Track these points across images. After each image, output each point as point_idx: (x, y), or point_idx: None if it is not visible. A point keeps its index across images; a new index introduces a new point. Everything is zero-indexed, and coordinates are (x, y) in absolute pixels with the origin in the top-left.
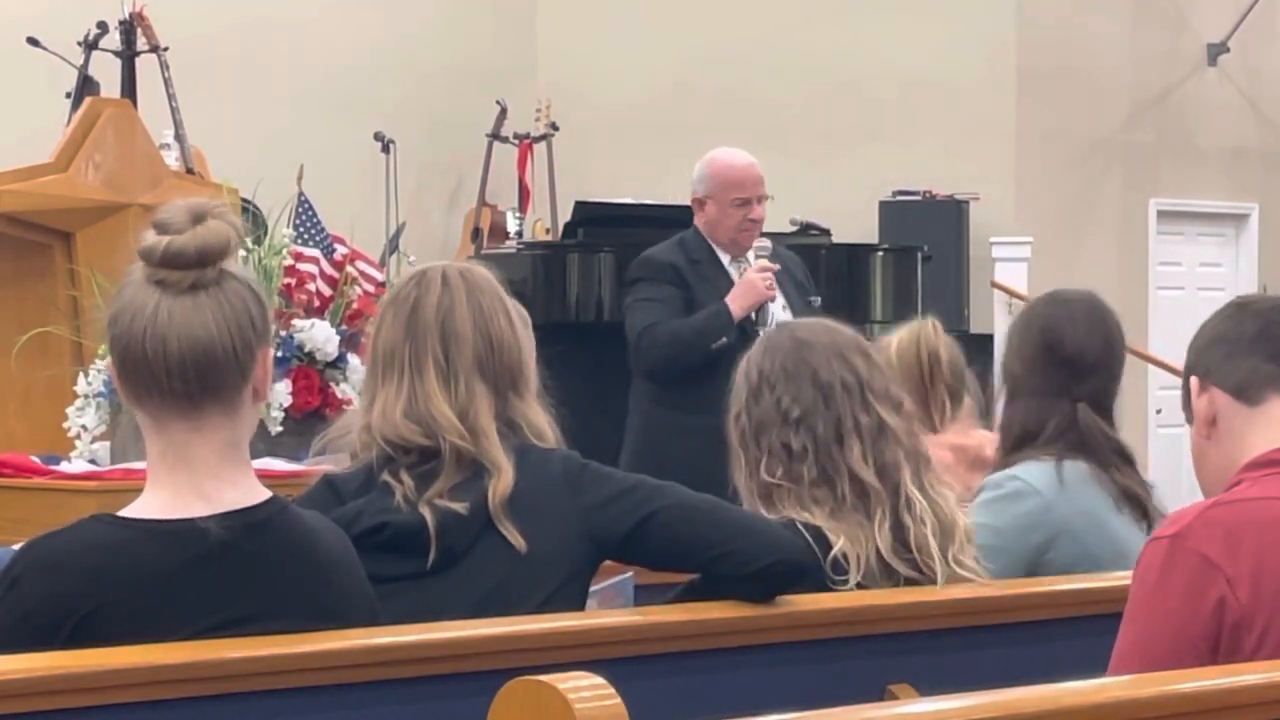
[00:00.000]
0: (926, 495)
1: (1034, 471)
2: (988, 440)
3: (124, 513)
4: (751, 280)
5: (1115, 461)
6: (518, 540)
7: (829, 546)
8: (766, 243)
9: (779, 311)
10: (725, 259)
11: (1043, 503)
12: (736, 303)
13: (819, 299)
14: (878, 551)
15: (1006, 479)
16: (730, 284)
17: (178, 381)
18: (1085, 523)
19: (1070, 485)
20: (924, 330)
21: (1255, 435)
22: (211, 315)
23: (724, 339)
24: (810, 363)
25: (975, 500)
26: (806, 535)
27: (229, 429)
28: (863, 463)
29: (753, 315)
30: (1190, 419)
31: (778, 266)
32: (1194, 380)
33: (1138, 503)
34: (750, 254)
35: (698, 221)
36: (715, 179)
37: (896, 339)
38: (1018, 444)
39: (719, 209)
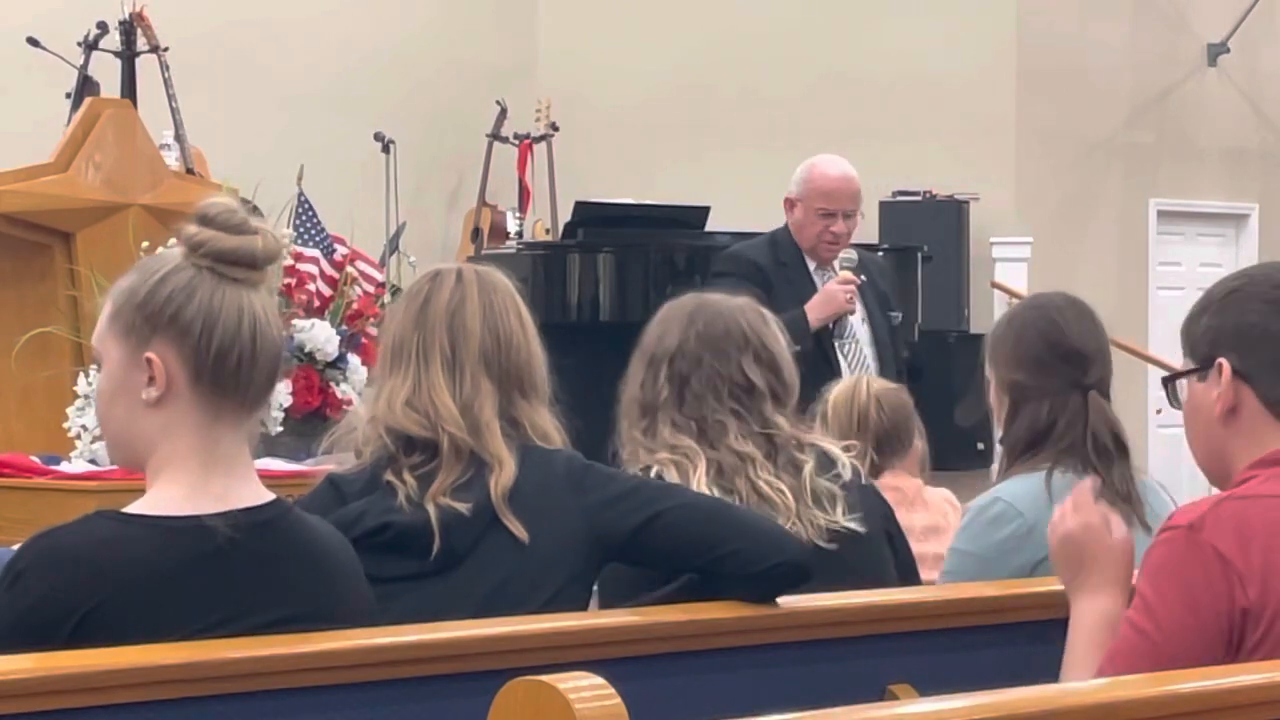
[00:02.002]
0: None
1: (1020, 490)
2: (919, 485)
3: (131, 509)
4: (832, 291)
5: (1114, 453)
6: (521, 532)
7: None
8: (853, 254)
9: (858, 324)
10: (811, 265)
11: (1025, 525)
12: (815, 312)
13: (900, 315)
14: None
15: (990, 501)
16: (812, 290)
17: (264, 377)
18: None
19: (1058, 500)
20: (857, 389)
21: (1277, 443)
22: (275, 312)
23: (798, 346)
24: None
25: (962, 519)
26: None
27: (250, 426)
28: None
29: (830, 326)
30: (1183, 375)
31: (861, 279)
32: (1225, 364)
33: (1128, 502)
34: (836, 263)
35: (787, 221)
36: (808, 184)
37: (835, 391)
38: (1027, 447)
39: (805, 214)
